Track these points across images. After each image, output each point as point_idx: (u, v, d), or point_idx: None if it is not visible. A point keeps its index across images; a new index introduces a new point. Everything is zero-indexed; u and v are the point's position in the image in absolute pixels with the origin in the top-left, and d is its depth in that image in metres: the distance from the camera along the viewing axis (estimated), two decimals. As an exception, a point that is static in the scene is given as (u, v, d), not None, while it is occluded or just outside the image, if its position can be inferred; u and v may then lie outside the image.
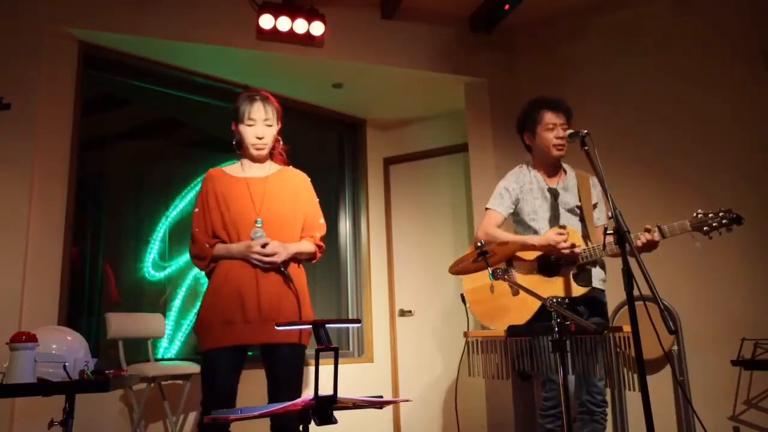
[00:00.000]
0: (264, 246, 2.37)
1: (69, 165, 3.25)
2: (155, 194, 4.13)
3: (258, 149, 2.52)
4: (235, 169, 2.57)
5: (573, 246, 2.57)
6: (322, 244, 2.58)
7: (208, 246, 2.44)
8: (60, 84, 3.27)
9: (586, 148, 2.26)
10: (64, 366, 2.11)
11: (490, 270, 2.14)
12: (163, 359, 3.71)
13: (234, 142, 2.58)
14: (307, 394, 1.48)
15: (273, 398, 2.40)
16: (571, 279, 2.62)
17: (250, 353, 2.45)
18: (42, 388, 2.05)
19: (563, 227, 2.68)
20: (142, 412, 3.13)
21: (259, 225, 2.43)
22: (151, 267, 3.92)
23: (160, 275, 3.95)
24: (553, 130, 2.75)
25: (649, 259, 2.42)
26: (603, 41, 4.08)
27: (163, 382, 3.25)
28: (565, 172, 2.88)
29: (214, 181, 2.52)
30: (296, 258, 2.49)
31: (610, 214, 2.12)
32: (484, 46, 4.31)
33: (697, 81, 3.70)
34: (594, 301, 2.69)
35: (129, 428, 3.23)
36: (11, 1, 3.16)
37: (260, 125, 2.50)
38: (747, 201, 3.41)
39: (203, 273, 2.52)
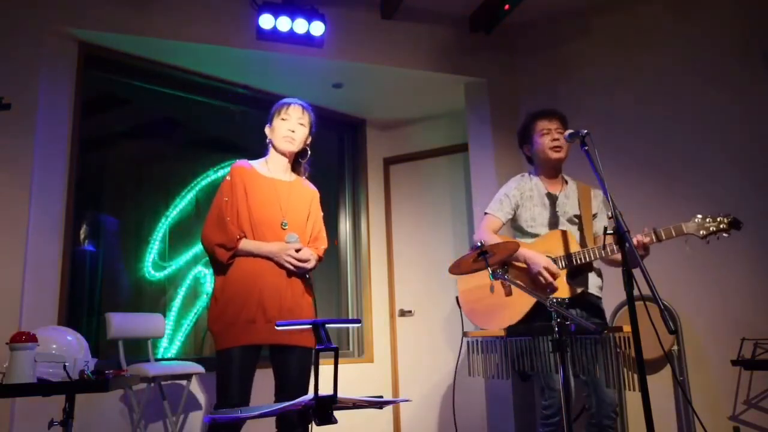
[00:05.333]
0: (298, 251, 2.40)
1: (69, 165, 3.25)
2: (155, 194, 4.12)
3: (288, 141, 2.54)
4: (261, 166, 2.58)
5: (552, 283, 2.52)
6: (323, 256, 2.61)
7: (238, 237, 2.39)
8: (60, 84, 3.27)
9: (586, 148, 2.26)
10: (64, 366, 2.11)
11: (490, 270, 2.14)
12: (163, 359, 3.70)
13: (267, 142, 2.60)
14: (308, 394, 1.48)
15: (280, 398, 2.39)
16: (566, 281, 2.61)
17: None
18: (42, 388, 2.05)
19: (563, 231, 2.68)
20: (142, 412, 3.13)
21: (285, 227, 2.45)
22: (151, 267, 3.91)
23: (160, 275, 3.94)
24: (547, 134, 2.78)
25: (650, 259, 2.42)
26: (603, 41, 4.08)
27: (163, 382, 3.25)
28: (566, 182, 2.88)
29: (243, 174, 2.50)
30: None
31: (610, 213, 2.11)
32: (484, 46, 4.31)
33: (697, 81, 3.70)
34: (591, 305, 2.68)
35: (129, 428, 3.23)
36: (11, 1, 3.16)
37: (294, 121, 2.55)
38: (747, 200, 3.42)
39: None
